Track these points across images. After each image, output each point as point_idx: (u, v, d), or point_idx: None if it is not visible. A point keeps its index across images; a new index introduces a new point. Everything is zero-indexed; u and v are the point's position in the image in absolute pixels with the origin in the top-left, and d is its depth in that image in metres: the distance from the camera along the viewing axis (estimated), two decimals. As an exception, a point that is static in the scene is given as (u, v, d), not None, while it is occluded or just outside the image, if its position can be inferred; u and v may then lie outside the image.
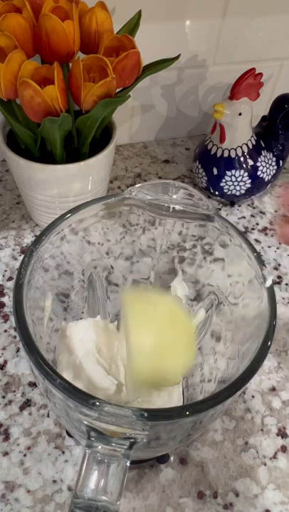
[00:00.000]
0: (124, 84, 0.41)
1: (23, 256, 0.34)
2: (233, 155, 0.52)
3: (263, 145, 0.54)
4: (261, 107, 0.61)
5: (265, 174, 0.54)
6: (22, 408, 0.37)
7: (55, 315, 0.33)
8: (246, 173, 0.53)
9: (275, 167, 0.55)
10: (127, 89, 0.42)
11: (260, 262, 0.29)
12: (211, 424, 0.37)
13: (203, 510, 0.34)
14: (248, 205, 0.58)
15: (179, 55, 0.45)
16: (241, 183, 0.54)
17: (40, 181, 0.44)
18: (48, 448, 0.35)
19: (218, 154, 0.53)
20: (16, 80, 0.37)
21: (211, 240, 0.34)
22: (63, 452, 0.35)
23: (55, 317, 0.33)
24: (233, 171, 0.53)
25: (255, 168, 0.53)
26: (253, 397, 0.40)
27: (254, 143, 0.53)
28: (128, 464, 0.23)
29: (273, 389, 0.41)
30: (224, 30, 0.55)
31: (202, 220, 0.32)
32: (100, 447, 0.23)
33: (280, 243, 0.53)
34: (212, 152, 0.53)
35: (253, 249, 0.30)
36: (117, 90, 0.41)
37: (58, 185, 0.44)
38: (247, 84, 0.48)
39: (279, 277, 0.50)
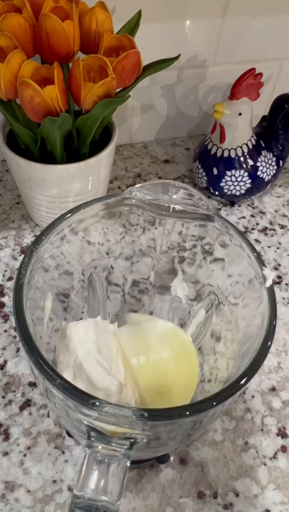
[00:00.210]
0: (124, 84, 0.41)
1: (23, 256, 0.34)
2: (233, 155, 0.52)
3: (263, 145, 0.54)
4: (261, 107, 0.61)
5: (265, 174, 0.54)
6: (22, 408, 0.37)
7: (55, 315, 0.33)
8: (246, 173, 0.53)
9: (275, 167, 0.55)
10: (127, 89, 0.42)
11: (260, 262, 0.29)
12: (211, 424, 0.37)
13: (203, 510, 0.34)
14: (248, 205, 0.58)
15: (179, 55, 0.45)
16: (241, 183, 0.54)
17: (40, 181, 0.44)
18: (48, 448, 0.35)
19: (218, 154, 0.53)
20: (16, 80, 0.37)
21: (211, 239, 0.34)
22: (63, 452, 0.35)
23: (55, 317, 0.33)
24: (233, 171, 0.53)
25: (255, 168, 0.53)
26: (253, 397, 0.40)
27: (254, 143, 0.53)
28: (128, 463, 0.23)
29: (273, 389, 0.41)
30: (224, 30, 0.55)
31: (202, 220, 0.32)
32: (100, 447, 0.23)
33: None
34: (212, 152, 0.53)
35: (253, 249, 0.30)
36: (117, 90, 0.41)
37: (58, 185, 0.44)
38: (247, 84, 0.48)
39: (279, 277, 0.50)
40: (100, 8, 0.40)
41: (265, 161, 0.54)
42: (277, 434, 0.38)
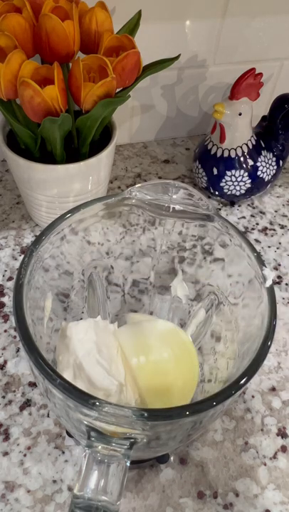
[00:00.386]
0: (124, 84, 0.41)
1: (23, 256, 0.34)
2: (233, 155, 0.52)
3: (263, 145, 0.54)
4: (261, 106, 0.61)
5: (265, 174, 0.54)
6: (22, 408, 0.37)
7: (55, 315, 0.33)
8: (246, 173, 0.53)
9: (275, 167, 0.55)
10: (127, 89, 0.42)
11: (260, 262, 0.29)
12: (211, 424, 0.37)
13: (203, 510, 0.34)
14: (248, 205, 0.58)
15: (179, 55, 0.45)
16: (241, 183, 0.54)
17: (40, 181, 0.44)
18: (48, 448, 0.35)
19: (218, 154, 0.53)
20: (16, 80, 0.37)
21: (211, 239, 0.34)
22: (63, 452, 0.35)
23: (55, 317, 0.33)
24: (233, 171, 0.53)
25: (255, 168, 0.53)
26: (253, 397, 0.40)
27: (254, 143, 0.53)
28: (128, 463, 0.23)
29: (273, 389, 0.41)
30: (224, 30, 0.55)
31: (202, 220, 0.32)
32: (100, 447, 0.23)
33: None
34: (212, 152, 0.53)
35: (253, 249, 0.30)
36: (117, 90, 0.41)
37: (58, 185, 0.44)
38: (247, 84, 0.48)
39: (279, 277, 0.50)
40: (100, 8, 0.40)
41: (265, 161, 0.54)
42: (277, 434, 0.38)
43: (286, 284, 0.49)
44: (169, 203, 0.32)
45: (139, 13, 0.44)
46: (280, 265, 0.51)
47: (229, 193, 0.55)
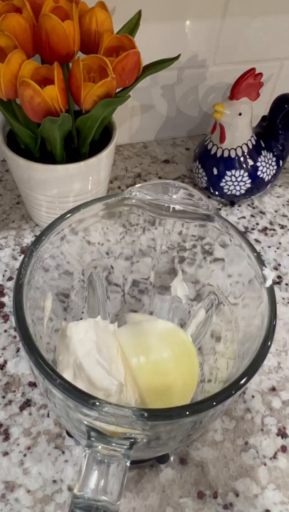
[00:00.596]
0: (124, 84, 0.41)
1: (23, 256, 0.34)
2: (233, 155, 0.52)
3: (263, 145, 0.54)
4: (261, 106, 0.61)
5: (265, 174, 0.54)
6: (22, 408, 0.37)
7: (55, 315, 0.33)
8: (246, 173, 0.53)
9: (275, 167, 0.55)
10: (127, 89, 0.42)
11: (260, 262, 0.29)
12: (211, 424, 0.37)
13: (203, 510, 0.34)
14: (248, 205, 0.58)
15: (179, 55, 0.45)
16: (241, 183, 0.54)
17: (40, 181, 0.44)
18: (48, 448, 0.35)
19: (218, 154, 0.53)
20: (16, 80, 0.37)
21: (211, 239, 0.34)
22: (63, 452, 0.35)
23: (55, 317, 0.33)
24: (233, 171, 0.53)
25: (255, 168, 0.53)
26: (253, 397, 0.40)
27: (254, 143, 0.53)
28: (128, 463, 0.23)
29: (273, 389, 0.41)
30: (224, 30, 0.55)
31: (202, 220, 0.32)
32: (100, 447, 0.23)
33: None
34: (212, 152, 0.53)
35: (253, 249, 0.30)
36: (117, 90, 0.41)
37: (58, 185, 0.44)
38: (247, 84, 0.48)
39: (279, 277, 0.50)
40: (100, 8, 0.40)
41: (265, 161, 0.54)
42: (277, 434, 0.38)
43: (286, 284, 0.49)
44: (169, 203, 0.32)
45: (139, 13, 0.44)
46: (280, 265, 0.51)
47: (229, 193, 0.55)
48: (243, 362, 0.26)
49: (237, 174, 0.53)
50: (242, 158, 0.53)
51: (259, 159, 0.53)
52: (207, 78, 0.60)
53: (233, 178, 0.53)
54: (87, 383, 0.28)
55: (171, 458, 0.36)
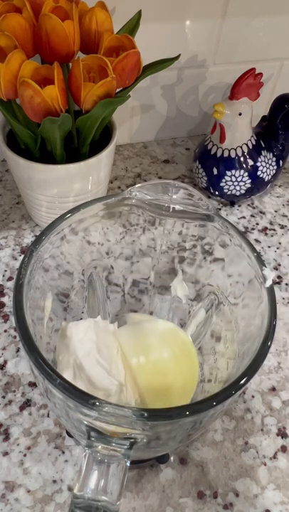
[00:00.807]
0: (124, 84, 0.41)
1: (23, 256, 0.34)
2: (233, 155, 0.52)
3: (263, 145, 0.54)
4: (261, 106, 0.61)
5: (265, 174, 0.54)
6: (22, 408, 0.37)
7: (55, 315, 0.33)
8: (246, 173, 0.53)
9: (275, 167, 0.55)
10: (127, 89, 0.42)
11: (260, 262, 0.29)
12: (211, 424, 0.37)
13: (203, 510, 0.34)
14: (248, 205, 0.58)
15: (179, 55, 0.45)
16: (241, 183, 0.54)
17: (40, 181, 0.44)
18: (48, 448, 0.35)
19: (218, 154, 0.53)
20: (16, 80, 0.37)
21: (211, 239, 0.34)
22: (63, 452, 0.35)
23: (55, 317, 0.33)
24: (233, 171, 0.53)
25: (255, 168, 0.53)
26: (253, 397, 0.40)
27: (254, 143, 0.53)
28: (128, 464, 0.23)
29: (273, 389, 0.41)
30: (224, 30, 0.55)
31: (202, 220, 0.32)
32: (100, 447, 0.23)
33: None
34: (212, 152, 0.53)
35: (253, 249, 0.30)
36: (117, 90, 0.41)
37: (58, 185, 0.44)
38: (247, 84, 0.48)
39: (279, 277, 0.50)
40: (100, 8, 0.40)
41: (265, 161, 0.54)
42: (277, 434, 0.38)
43: (286, 284, 0.49)
44: (169, 203, 0.32)
45: (139, 13, 0.44)
46: (280, 265, 0.51)
47: (229, 193, 0.55)
48: (243, 362, 0.26)
49: (237, 174, 0.53)
50: (242, 158, 0.53)
51: (259, 159, 0.53)
52: (207, 78, 0.60)
53: (233, 178, 0.53)
54: (87, 383, 0.28)
55: (171, 458, 0.36)
